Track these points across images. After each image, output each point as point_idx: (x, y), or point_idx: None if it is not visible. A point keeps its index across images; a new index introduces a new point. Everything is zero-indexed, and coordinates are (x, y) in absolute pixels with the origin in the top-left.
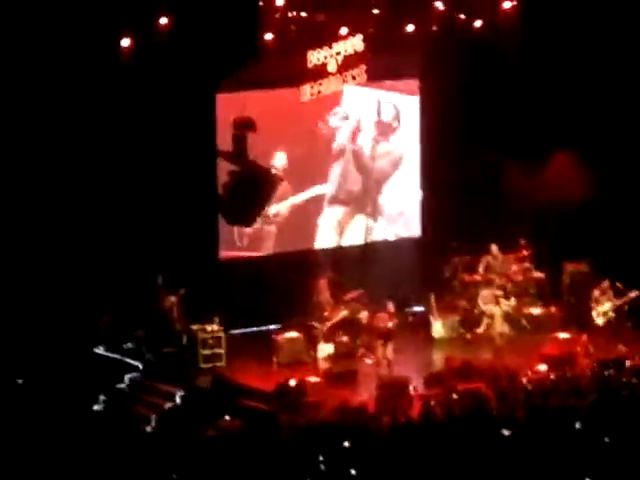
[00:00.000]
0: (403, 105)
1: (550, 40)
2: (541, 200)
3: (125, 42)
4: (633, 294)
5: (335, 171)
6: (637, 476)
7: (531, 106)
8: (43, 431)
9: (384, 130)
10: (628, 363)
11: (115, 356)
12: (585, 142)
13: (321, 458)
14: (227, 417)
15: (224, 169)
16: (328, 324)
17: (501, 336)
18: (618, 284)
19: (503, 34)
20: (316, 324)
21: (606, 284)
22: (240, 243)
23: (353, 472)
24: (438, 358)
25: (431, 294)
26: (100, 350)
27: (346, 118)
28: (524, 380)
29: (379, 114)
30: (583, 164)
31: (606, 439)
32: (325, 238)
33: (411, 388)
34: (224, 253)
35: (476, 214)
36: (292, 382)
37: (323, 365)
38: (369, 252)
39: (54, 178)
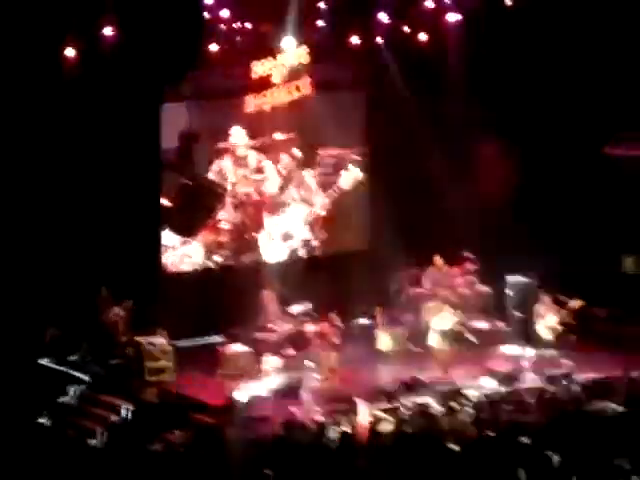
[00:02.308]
0: (349, 116)
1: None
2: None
3: (69, 52)
4: (576, 304)
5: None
6: None
7: (476, 118)
8: None
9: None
10: (574, 378)
11: (60, 368)
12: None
13: (268, 472)
14: (174, 431)
15: (169, 180)
16: (274, 337)
17: (446, 350)
18: (561, 297)
19: (447, 47)
20: (262, 337)
21: (549, 298)
22: (185, 256)
23: None
24: (384, 372)
25: (377, 307)
26: (45, 362)
27: None
28: (471, 395)
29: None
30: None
31: (554, 455)
32: (269, 249)
33: (359, 402)
34: (169, 265)
35: (421, 228)
36: (239, 396)
37: (270, 379)
38: (315, 265)
39: None
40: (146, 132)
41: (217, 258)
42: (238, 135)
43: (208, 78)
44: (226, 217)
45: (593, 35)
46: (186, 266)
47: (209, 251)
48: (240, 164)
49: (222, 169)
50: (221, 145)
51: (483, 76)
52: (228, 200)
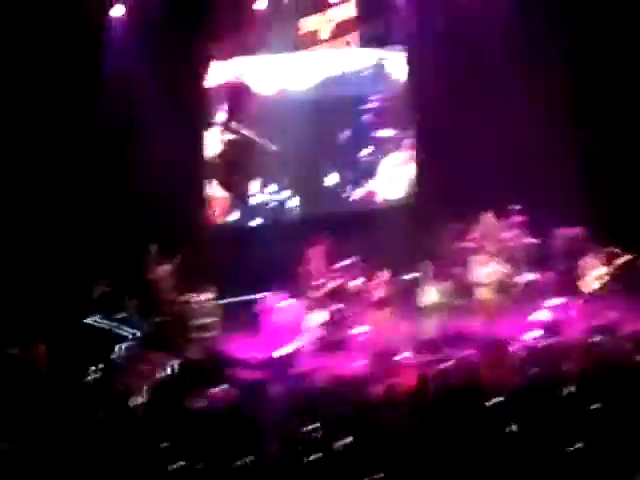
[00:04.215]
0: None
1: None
2: None
3: (118, 11)
4: (624, 259)
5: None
6: (628, 442)
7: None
8: (35, 402)
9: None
10: (620, 329)
11: (108, 326)
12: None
13: (315, 427)
14: (218, 387)
15: (217, 137)
16: (321, 292)
17: (493, 303)
18: (611, 250)
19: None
20: (309, 292)
21: (598, 250)
22: (233, 211)
23: (346, 442)
24: (430, 325)
25: (424, 261)
26: (93, 320)
27: None
28: (516, 347)
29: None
30: None
31: (598, 406)
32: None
33: (403, 356)
34: (216, 222)
35: (470, 180)
36: (283, 351)
37: (315, 334)
38: (362, 219)
39: (46, 151)
40: (192, 90)
41: None
42: None
43: (256, 35)
44: None
45: None
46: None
47: None
48: None
49: None
50: None
51: (536, 25)
52: None
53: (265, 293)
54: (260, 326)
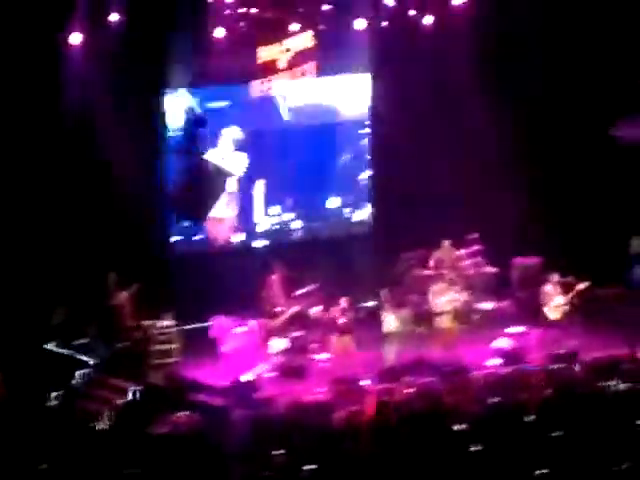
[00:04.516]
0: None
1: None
2: None
3: (75, 39)
4: (582, 286)
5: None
6: (588, 469)
7: (483, 101)
8: None
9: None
10: (579, 357)
11: (67, 352)
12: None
13: (276, 453)
14: (180, 413)
15: (175, 165)
16: (280, 319)
17: (452, 331)
18: (568, 278)
19: (453, 30)
20: (268, 319)
21: (556, 278)
22: (192, 238)
23: (309, 467)
24: (390, 353)
25: (383, 289)
26: (52, 346)
27: None
28: (476, 375)
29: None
30: None
31: (558, 433)
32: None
33: (364, 383)
34: (176, 248)
35: (430, 209)
36: (244, 377)
37: (275, 360)
38: (321, 247)
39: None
40: (151, 117)
41: None
42: None
43: (214, 64)
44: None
45: (602, 14)
46: None
47: None
48: None
49: None
50: None
51: (489, 58)
52: None
53: (224, 319)
54: (221, 352)
